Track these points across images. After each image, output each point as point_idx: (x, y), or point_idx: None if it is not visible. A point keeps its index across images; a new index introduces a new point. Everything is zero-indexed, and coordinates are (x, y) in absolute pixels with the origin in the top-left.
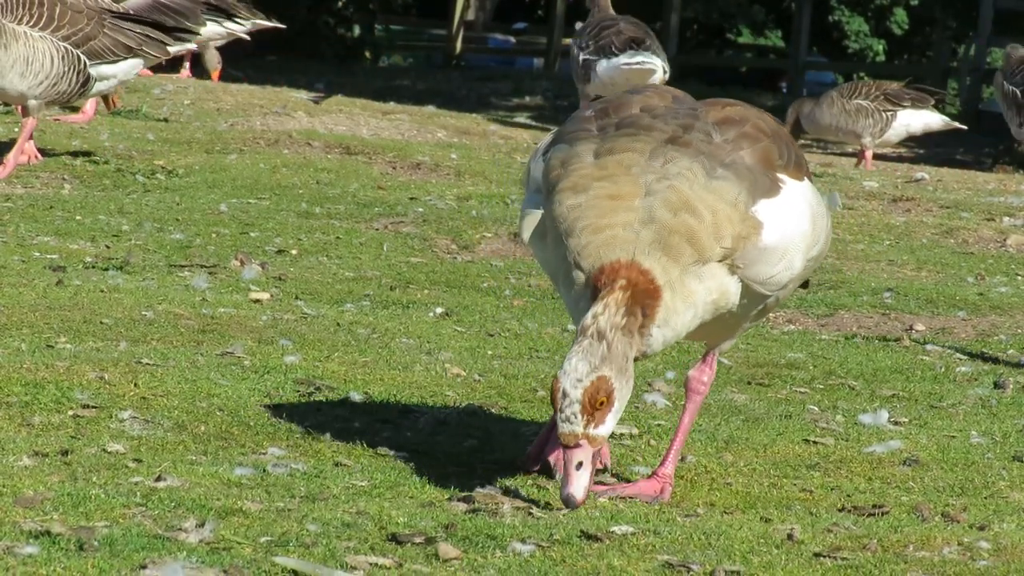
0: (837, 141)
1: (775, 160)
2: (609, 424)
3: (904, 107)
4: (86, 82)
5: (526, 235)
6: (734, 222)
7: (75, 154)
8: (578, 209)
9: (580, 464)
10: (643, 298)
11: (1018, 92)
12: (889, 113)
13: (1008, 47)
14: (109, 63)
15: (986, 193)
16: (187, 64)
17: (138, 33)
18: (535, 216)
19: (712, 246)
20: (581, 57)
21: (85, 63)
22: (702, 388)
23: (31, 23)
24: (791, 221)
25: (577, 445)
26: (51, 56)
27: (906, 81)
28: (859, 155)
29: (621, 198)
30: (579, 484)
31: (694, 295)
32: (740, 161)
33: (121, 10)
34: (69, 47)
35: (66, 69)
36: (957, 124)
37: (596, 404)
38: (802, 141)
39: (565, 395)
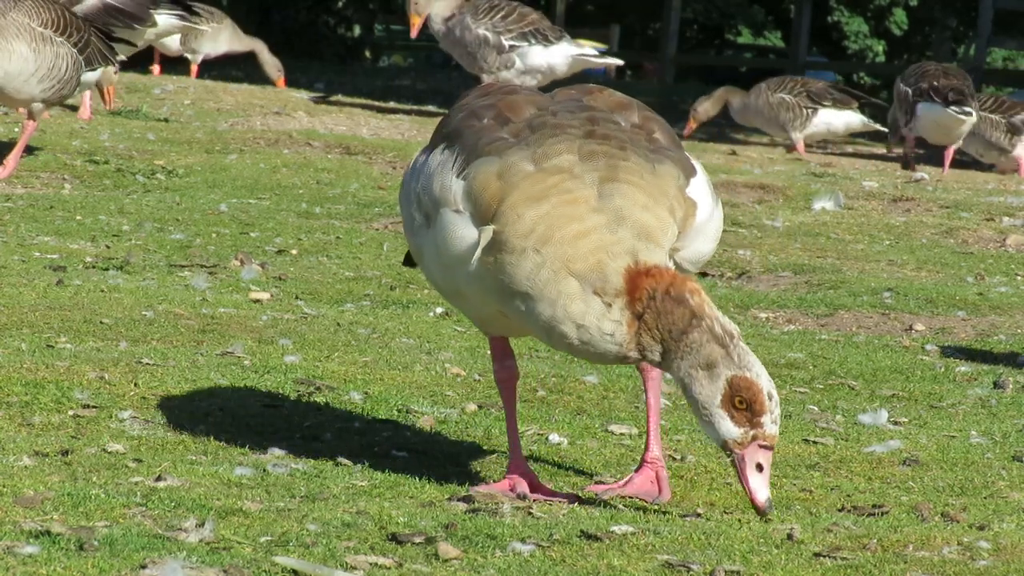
0: (757, 130)
1: (675, 138)
2: None
3: (825, 106)
4: (76, 87)
5: (479, 253)
6: (681, 204)
7: (75, 154)
8: (547, 218)
9: None
10: None
11: (910, 92)
12: (809, 110)
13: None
14: (92, 70)
15: (986, 193)
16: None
17: (107, 43)
18: (488, 232)
19: (674, 233)
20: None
21: (83, 69)
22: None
23: (52, 27)
24: (710, 196)
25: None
26: (67, 62)
27: (835, 82)
28: (790, 147)
29: (582, 201)
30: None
31: None
32: (661, 143)
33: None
34: (77, 52)
35: (73, 74)
36: (877, 126)
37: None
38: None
39: (771, 397)
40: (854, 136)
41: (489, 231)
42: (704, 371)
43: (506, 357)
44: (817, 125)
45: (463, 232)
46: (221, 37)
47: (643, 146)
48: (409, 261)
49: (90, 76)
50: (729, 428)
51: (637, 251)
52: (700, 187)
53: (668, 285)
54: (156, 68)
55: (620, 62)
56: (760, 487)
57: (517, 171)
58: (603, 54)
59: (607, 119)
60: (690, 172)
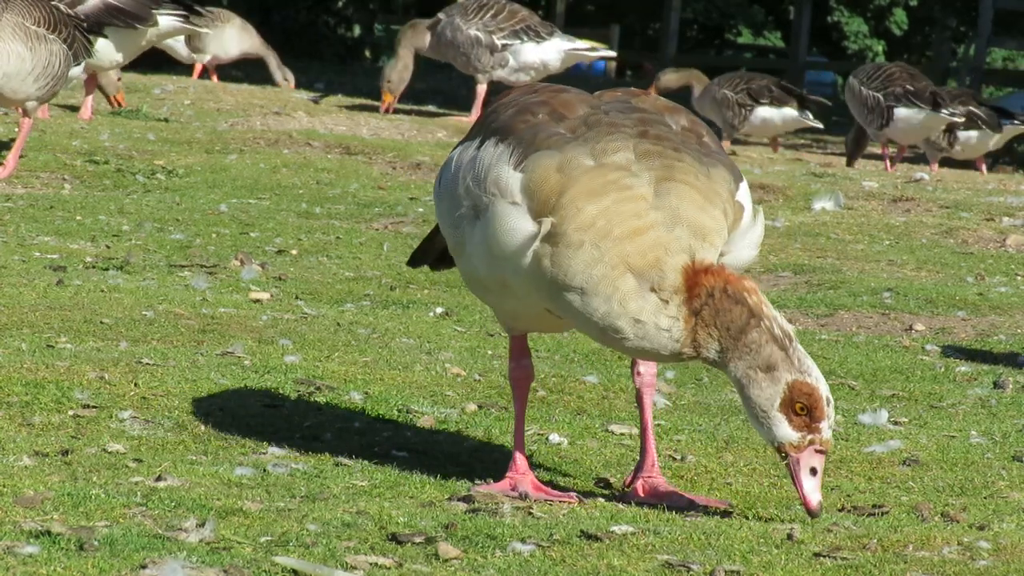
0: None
1: (719, 143)
2: None
3: (763, 104)
4: (66, 82)
5: (536, 244)
6: (732, 208)
7: (75, 154)
8: (606, 213)
9: None
10: None
11: (881, 97)
12: (747, 109)
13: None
14: (77, 64)
15: (986, 193)
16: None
17: (86, 36)
18: (547, 224)
19: (725, 236)
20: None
21: (71, 63)
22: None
23: (44, 25)
24: (751, 200)
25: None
26: (60, 58)
27: (776, 80)
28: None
29: (641, 198)
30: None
31: None
32: (710, 147)
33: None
34: (67, 48)
35: (66, 69)
36: (815, 123)
37: None
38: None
39: (829, 402)
40: (798, 132)
41: (548, 223)
42: (764, 373)
43: (523, 356)
44: (754, 122)
45: (517, 224)
46: (227, 36)
47: (695, 149)
48: (416, 261)
49: (76, 71)
50: (787, 432)
51: (694, 249)
52: (745, 193)
53: (726, 283)
54: (207, 75)
55: (612, 54)
56: (813, 491)
57: (577, 165)
58: (595, 48)
59: (658, 121)
60: (738, 177)
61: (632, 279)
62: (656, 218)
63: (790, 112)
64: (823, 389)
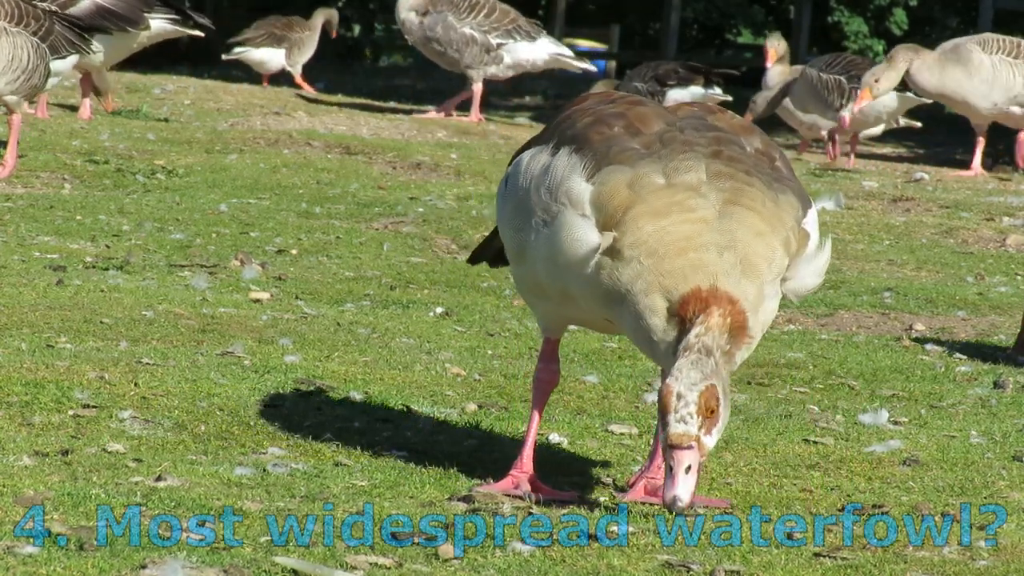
0: None
1: (791, 167)
2: (714, 438)
3: (670, 86)
4: (47, 76)
5: (597, 258)
6: (795, 237)
7: (75, 154)
8: (660, 232)
9: (689, 468)
10: (736, 325)
11: (844, 80)
12: (659, 96)
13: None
14: (60, 58)
15: (986, 193)
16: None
17: (77, 32)
18: (608, 238)
19: (785, 263)
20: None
21: (49, 57)
22: None
23: (7, 18)
24: (818, 227)
25: (689, 447)
26: (28, 51)
27: (682, 62)
28: None
29: (701, 220)
30: (686, 486)
31: (766, 312)
32: (781, 172)
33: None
34: (38, 41)
35: (38, 62)
36: (724, 97)
37: (709, 410)
38: None
39: (680, 397)
40: (796, 132)
41: (610, 238)
42: None
43: (553, 361)
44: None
45: (584, 235)
46: (315, 42)
47: (767, 174)
48: (475, 258)
49: (61, 65)
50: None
51: (718, 275)
52: (812, 220)
53: (701, 310)
54: (308, 88)
55: (593, 68)
56: (667, 488)
57: (647, 183)
58: (580, 54)
59: (732, 141)
60: (807, 204)
61: (660, 298)
62: (709, 240)
63: (697, 90)
64: (673, 387)
